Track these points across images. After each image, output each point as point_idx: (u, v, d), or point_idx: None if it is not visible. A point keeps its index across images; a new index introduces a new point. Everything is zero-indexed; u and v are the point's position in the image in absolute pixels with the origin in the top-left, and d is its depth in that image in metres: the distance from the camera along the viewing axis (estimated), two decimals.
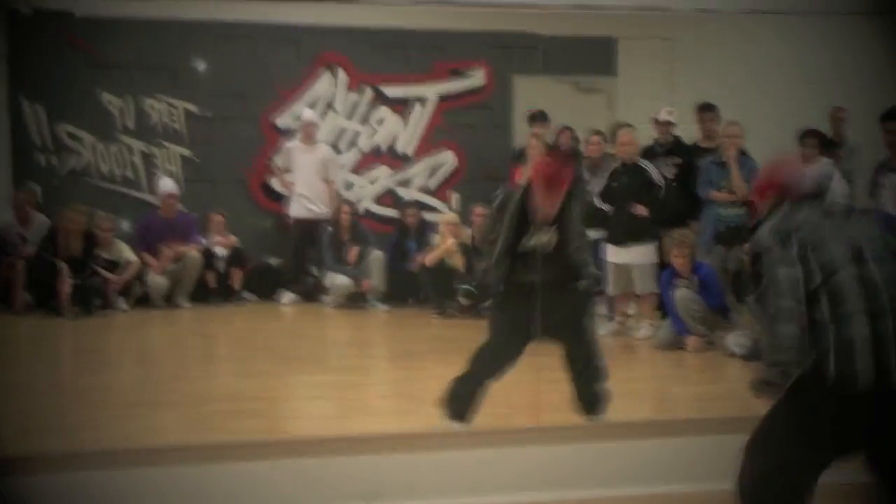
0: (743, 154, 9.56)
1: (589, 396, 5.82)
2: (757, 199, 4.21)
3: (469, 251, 10.83)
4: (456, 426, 5.73)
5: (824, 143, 9.73)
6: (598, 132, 10.37)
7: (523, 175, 9.54)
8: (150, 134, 11.84)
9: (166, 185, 11.51)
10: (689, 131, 10.47)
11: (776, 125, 10.62)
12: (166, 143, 11.86)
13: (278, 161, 11.83)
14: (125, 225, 11.53)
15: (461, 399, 5.77)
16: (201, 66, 11.92)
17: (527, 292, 5.67)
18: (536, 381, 5.80)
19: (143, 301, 11.04)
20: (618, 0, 5.65)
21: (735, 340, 8.59)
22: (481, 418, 6.03)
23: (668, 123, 10.20)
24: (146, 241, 11.23)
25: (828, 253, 3.83)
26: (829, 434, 3.82)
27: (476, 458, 5.41)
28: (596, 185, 9.67)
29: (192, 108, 11.90)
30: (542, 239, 5.68)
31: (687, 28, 11.93)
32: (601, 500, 5.34)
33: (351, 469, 5.26)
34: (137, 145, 11.81)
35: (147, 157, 11.84)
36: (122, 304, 10.82)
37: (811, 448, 3.87)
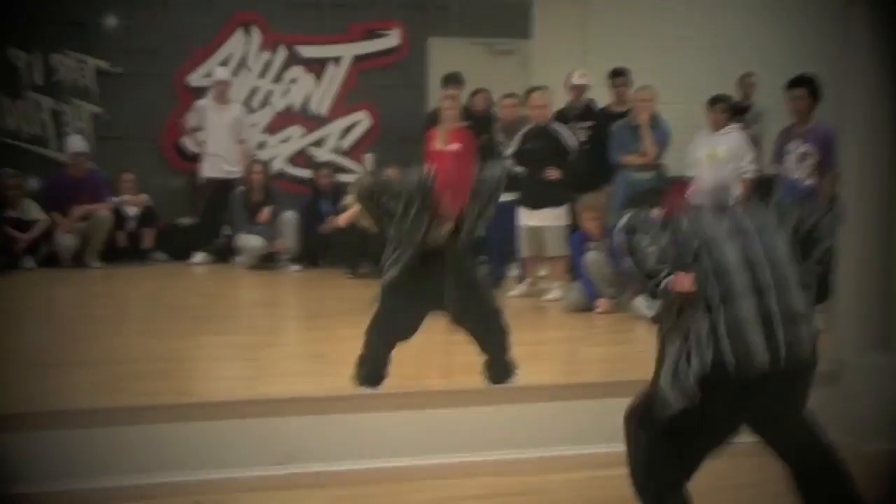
0: (655, 118, 9.68)
1: (499, 368, 5.91)
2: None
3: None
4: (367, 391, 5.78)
5: (733, 109, 9.88)
6: (511, 95, 10.39)
7: (437, 138, 9.59)
8: (59, 90, 11.62)
9: (75, 142, 11.32)
10: (602, 96, 10.56)
11: (687, 90, 10.76)
12: (76, 100, 11.65)
13: (190, 119, 11.69)
14: (34, 183, 11.30)
15: (367, 365, 5.83)
16: (112, 21, 11.71)
17: (422, 275, 5.72)
18: (447, 342, 5.83)
19: (52, 260, 10.88)
20: None
21: (643, 302, 8.71)
22: (393, 380, 6.08)
23: (581, 87, 10.27)
24: (55, 199, 11.04)
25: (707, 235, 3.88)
26: (726, 420, 3.88)
27: (387, 420, 5.42)
28: (510, 148, 9.71)
29: (102, 64, 11.70)
30: (440, 234, 5.74)
31: None
32: (509, 461, 5.40)
33: (264, 432, 5.24)
34: (46, 102, 11.59)
35: (56, 115, 11.63)
36: (29, 262, 10.66)
37: (705, 434, 3.92)
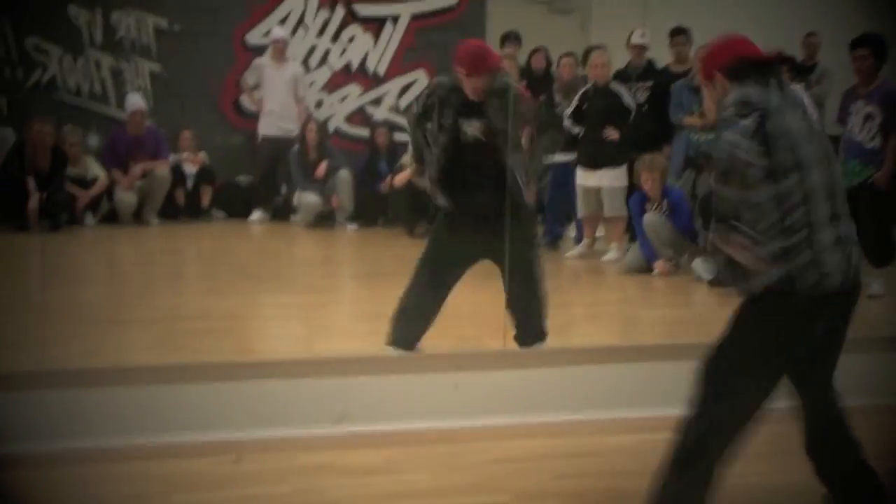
0: None
1: (532, 331, 5.84)
2: (703, 79, 3.89)
3: None
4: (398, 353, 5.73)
5: (796, 69, 9.67)
6: (569, 54, 10.30)
7: None
8: (118, 48, 11.67)
9: (134, 100, 11.38)
10: (662, 55, 10.44)
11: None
12: (135, 58, 11.70)
13: (248, 78, 11.72)
14: (93, 140, 11.39)
15: (405, 324, 5.78)
16: None
17: (467, 208, 5.62)
18: (501, 302, 5.81)
19: (112, 217, 10.97)
20: None
21: (702, 265, 8.65)
22: (448, 340, 6.09)
23: (642, 46, 10.16)
24: (114, 157, 11.13)
25: (801, 150, 3.61)
26: (793, 342, 3.75)
27: (443, 381, 5.42)
28: (569, 107, 9.64)
29: (161, 22, 11.73)
30: (473, 127, 5.59)
31: None
32: (563, 423, 5.39)
33: (319, 391, 5.27)
34: (106, 60, 11.64)
35: (116, 72, 11.69)
36: (90, 219, 10.76)
37: (774, 362, 3.78)
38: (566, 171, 9.70)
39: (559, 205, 9.80)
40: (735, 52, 3.76)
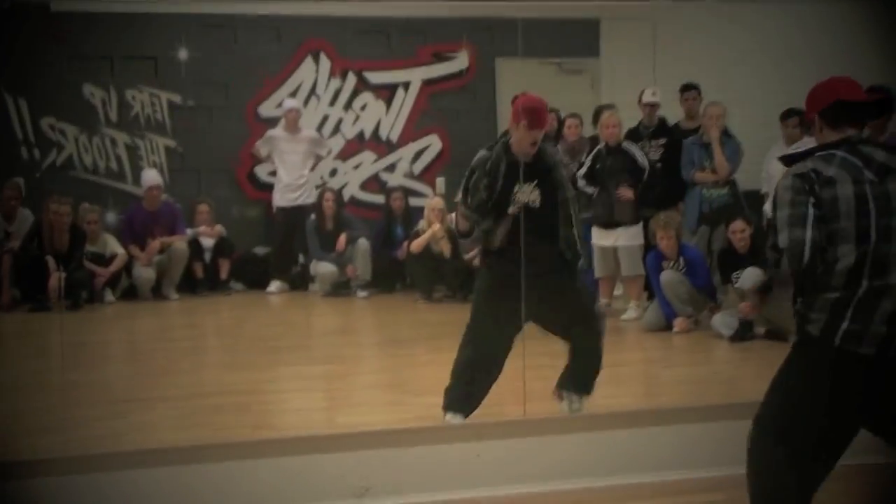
0: (726, 134, 9.59)
1: (584, 378, 5.92)
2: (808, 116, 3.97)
3: (455, 236, 10.84)
4: (455, 419, 5.76)
5: (806, 123, 9.72)
6: (574, 115, 10.37)
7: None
8: (133, 125, 11.80)
9: (150, 176, 11.48)
10: (673, 111, 10.48)
11: (759, 105, 10.64)
12: (150, 134, 11.82)
13: (260, 148, 11.80)
14: (111, 217, 11.48)
15: (459, 391, 5.81)
16: (183, 55, 11.86)
17: (515, 271, 5.67)
18: (521, 367, 5.81)
19: (131, 293, 11.02)
20: None
21: (722, 321, 8.64)
22: None
23: (653, 105, 10.21)
24: (132, 232, 11.21)
25: (866, 219, 3.69)
26: (848, 401, 3.75)
27: (466, 451, 5.41)
28: (573, 168, 9.68)
29: (175, 98, 11.86)
30: (527, 193, 5.70)
31: (668, 8, 11.90)
32: (587, 490, 5.36)
33: (340, 465, 5.26)
34: (121, 137, 11.76)
35: (131, 149, 11.80)
36: (109, 296, 10.80)
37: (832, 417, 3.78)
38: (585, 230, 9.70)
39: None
40: (834, 95, 3.86)
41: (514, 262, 5.68)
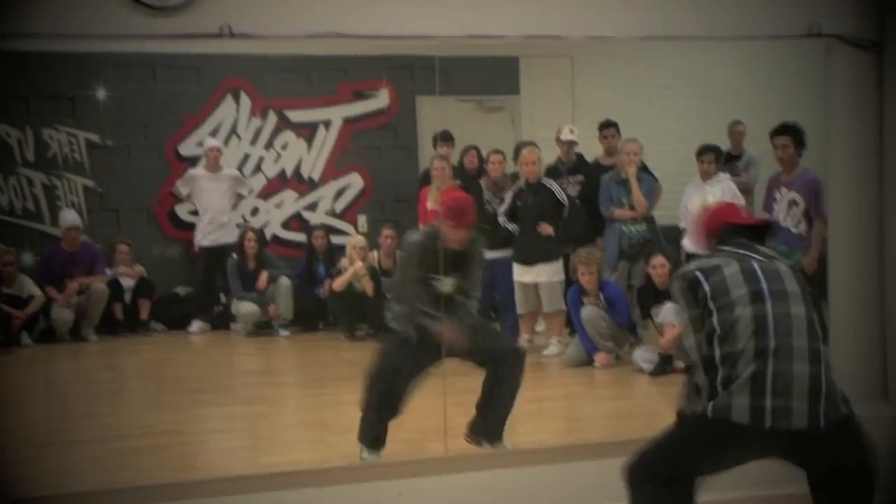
0: (643, 170, 9.73)
1: (496, 425, 5.95)
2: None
3: (377, 274, 10.84)
4: (369, 456, 5.80)
5: (724, 158, 9.93)
6: (497, 151, 10.44)
7: (430, 197, 9.63)
8: (50, 165, 11.62)
9: (68, 217, 11.31)
10: (592, 148, 10.60)
11: (677, 139, 10.80)
12: (68, 174, 11.68)
13: (180, 187, 11.70)
14: (27, 258, 11.30)
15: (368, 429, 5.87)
16: (101, 94, 11.74)
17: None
18: (442, 405, 5.85)
19: (49, 335, 10.84)
20: (514, 30, 5.74)
21: (642, 356, 8.74)
22: (394, 446, 6.09)
23: (571, 142, 10.31)
24: (50, 274, 11.03)
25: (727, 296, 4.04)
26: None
27: (389, 488, 5.41)
28: (496, 204, 9.76)
29: (93, 137, 11.72)
30: (447, 285, 5.86)
31: (586, 45, 12.04)
32: None
33: None
34: (38, 177, 11.58)
35: (48, 189, 11.63)
36: (26, 339, 10.61)
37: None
38: (504, 268, 9.75)
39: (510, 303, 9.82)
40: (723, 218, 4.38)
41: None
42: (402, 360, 5.91)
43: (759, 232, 4.33)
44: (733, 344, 3.92)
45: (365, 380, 5.99)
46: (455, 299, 6.00)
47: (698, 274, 4.07)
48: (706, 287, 4.03)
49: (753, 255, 4.12)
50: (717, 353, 3.94)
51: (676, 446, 4.15)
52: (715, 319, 3.97)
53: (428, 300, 5.94)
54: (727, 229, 4.27)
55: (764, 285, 3.97)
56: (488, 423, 5.99)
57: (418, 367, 5.92)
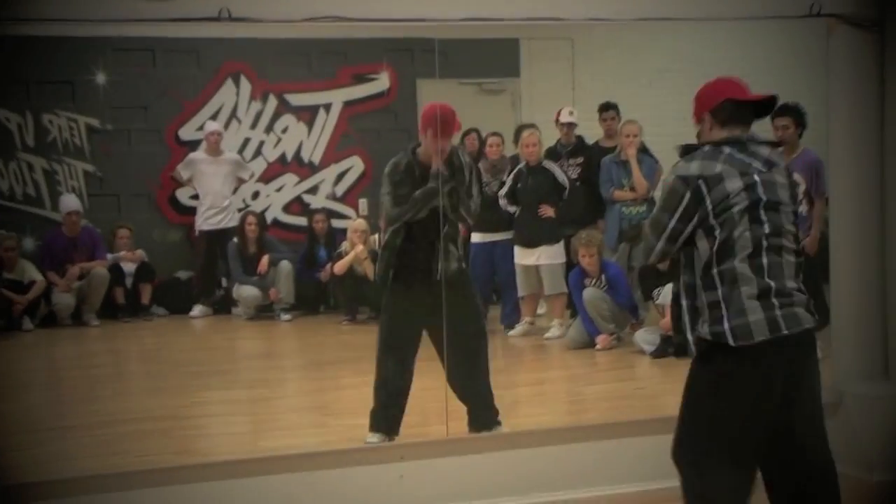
0: (643, 152, 9.71)
1: (487, 411, 5.94)
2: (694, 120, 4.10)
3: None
4: (374, 438, 5.79)
5: None
6: (496, 134, 10.42)
7: None
8: (50, 150, 11.63)
9: (69, 201, 11.33)
10: (592, 130, 10.57)
11: (678, 121, 10.74)
12: (68, 159, 11.67)
13: (181, 171, 11.69)
14: (29, 243, 11.32)
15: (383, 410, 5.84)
16: (101, 79, 11.73)
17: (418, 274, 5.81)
18: (443, 386, 5.84)
19: (50, 320, 10.86)
20: (514, 12, 5.70)
21: (643, 337, 8.73)
22: None
23: (570, 124, 10.28)
24: (51, 259, 11.06)
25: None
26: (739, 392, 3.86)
27: (389, 472, 5.40)
28: (495, 187, 9.74)
29: (93, 122, 11.72)
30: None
31: (587, 28, 12.03)
32: None
33: (264, 489, 5.23)
34: (38, 162, 11.59)
35: (49, 174, 11.63)
36: (27, 324, 10.63)
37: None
38: (505, 249, 9.74)
39: (510, 286, 9.80)
40: (723, 95, 3.99)
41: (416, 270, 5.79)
42: (402, 319, 5.80)
43: (764, 109, 4.03)
44: (730, 261, 3.81)
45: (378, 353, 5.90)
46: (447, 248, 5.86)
47: (701, 184, 3.82)
48: (708, 204, 3.82)
49: (753, 162, 3.88)
50: (715, 269, 3.83)
51: (711, 406, 3.92)
52: (716, 236, 3.83)
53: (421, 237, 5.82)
54: (730, 109, 3.94)
55: (762, 199, 3.81)
56: (479, 414, 5.93)
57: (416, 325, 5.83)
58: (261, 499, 5.20)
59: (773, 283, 3.82)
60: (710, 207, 3.82)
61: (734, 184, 3.82)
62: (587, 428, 6.12)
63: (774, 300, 3.81)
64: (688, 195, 3.83)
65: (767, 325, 3.78)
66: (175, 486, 5.14)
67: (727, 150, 3.88)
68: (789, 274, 3.88)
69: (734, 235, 3.82)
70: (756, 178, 3.85)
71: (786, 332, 3.78)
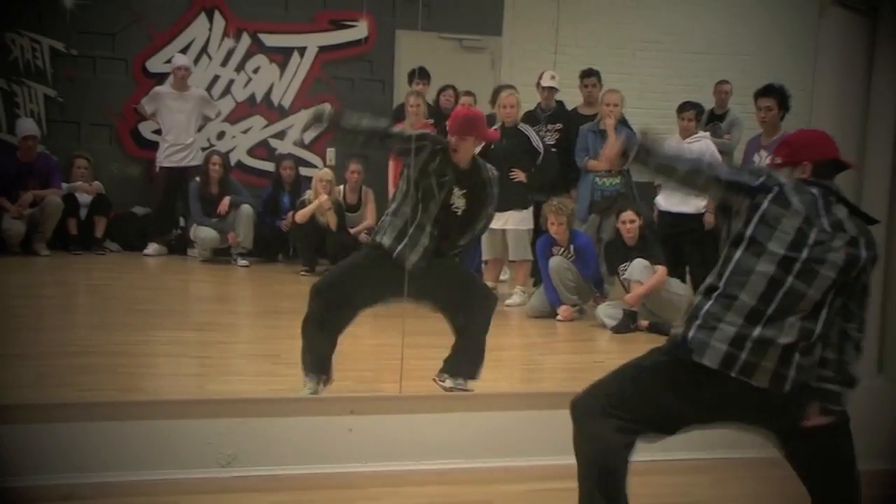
0: (622, 123, 9.52)
1: (472, 364, 5.81)
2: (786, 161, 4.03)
3: (341, 209, 10.62)
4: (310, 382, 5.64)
5: (708, 117, 9.77)
6: (469, 93, 10.21)
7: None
8: (11, 70, 11.28)
9: (26, 125, 10.98)
10: (572, 96, 10.39)
11: (659, 94, 10.62)
12: (28, 82, 11.33)
13: (146, 105, 11.38)
14: None
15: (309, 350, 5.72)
16: (69, 2, 11.36)
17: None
18: (400, 345, 5.66)
19: None
20: None
21: (606, 311, 8.59)
22: (348, 383, 5.92)
23: (551, 88, 10.08)
24: (2, 183, 10.70)
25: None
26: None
27: (336, 424, 5.25)
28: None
29: (57, 45, 11.37)
30: (459, 202, 5.72)
31: None
32: (460, 470, 5.28)
33: (208, 432, 5.07)
34: None
35: (7, 95, 11.29)
36: None
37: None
38: None
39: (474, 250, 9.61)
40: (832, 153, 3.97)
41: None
42: (359, 277, 5.68)
43: (835, 172, 3.92)
44: (735, 288, 3.72)
45: (311, 290, 5.74)
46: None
47: (777, 188, 3.75)
48: (764, 208, 3.74)
49: (822, 217, 3.76)
50: (718, 282, 3.75)
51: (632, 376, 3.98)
52: (737, 251, 3.76)
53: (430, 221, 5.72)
54: (829, 166, 3.91)
55: (802, 256, 3.69)
56: (466, 360, 5.84)
57: (372, 292, 5.68)
58: (205, 442, 5.05)
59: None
60: (763, 211, 3.76)
61: (795, 219, 3.75)
62: (541, 395, 6.02)
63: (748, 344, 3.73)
64: (761, 182, 3.79)
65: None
66: (119, 422, 4.99)
67: (812, 190, 3.81)
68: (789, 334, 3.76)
69: (757, 269, 3.75)
70: (813, 234, 3.75)
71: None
